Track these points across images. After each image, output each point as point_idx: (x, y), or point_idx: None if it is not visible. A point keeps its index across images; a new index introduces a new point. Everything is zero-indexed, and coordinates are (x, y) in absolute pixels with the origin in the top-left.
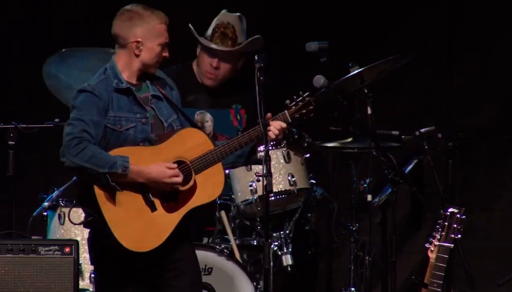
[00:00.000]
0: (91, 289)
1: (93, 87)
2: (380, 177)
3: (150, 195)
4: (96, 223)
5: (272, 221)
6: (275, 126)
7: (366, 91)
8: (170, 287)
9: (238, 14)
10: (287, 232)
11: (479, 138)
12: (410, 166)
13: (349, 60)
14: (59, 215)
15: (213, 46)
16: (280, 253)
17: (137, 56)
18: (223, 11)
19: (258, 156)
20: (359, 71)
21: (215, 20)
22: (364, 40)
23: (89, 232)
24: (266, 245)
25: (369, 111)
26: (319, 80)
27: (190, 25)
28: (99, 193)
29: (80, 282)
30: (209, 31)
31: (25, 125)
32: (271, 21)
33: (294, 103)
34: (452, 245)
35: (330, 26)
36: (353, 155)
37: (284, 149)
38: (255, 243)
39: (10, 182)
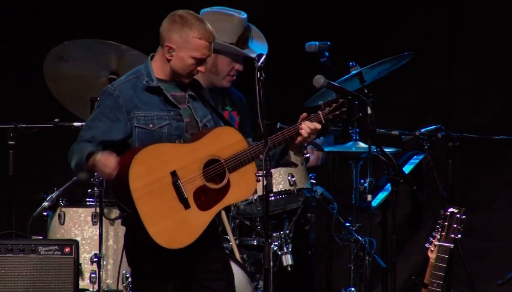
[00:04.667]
0: (91, 289)
1: (116, 87)
2: (380, 177)
3: (184, 192)
4: (130, 220)
5: (272, 221)
6: (309, 126)
7: (366, 91)
8: (206, 288)
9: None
10: (287, 232)
11: (479, 138)
12: (410, 166)
13: (349, 60)
14: (59, 215)
15: (252, 55)
16: (280, 253)
17: (168, 60)
18: (244, 15)
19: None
20: (359, 71)
21: (234, 26)
22: (364, 40)
23: (125, 232)
24: (266, 245)
25: (369, 111)
26: (319, 80)
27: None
28: (134, 188)
29: (80, 282)
30: (233, 38)
31: (25, 125)
32: (272, 21)
33: (327, 104)
34: (452, 245)
35: (330, 26)
36: (353, 155)
37: None
38: (255, 243)
39: (10, 182)
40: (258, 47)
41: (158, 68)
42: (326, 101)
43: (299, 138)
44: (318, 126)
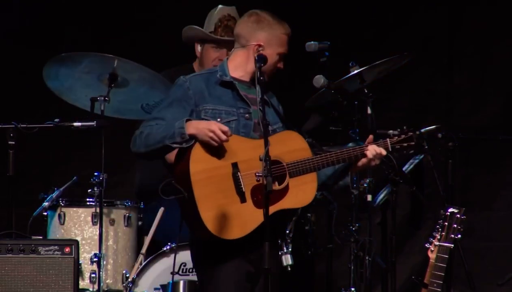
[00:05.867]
0: (91, 289)
1: (187, 79)
2: (380, 177)
3: (243, 186)
4: (185, 203)
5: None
6: (375, 149)
7: (366, 91)
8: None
9: (233, 7)
10: (287, 232)
11: (479, 138)
12: (410, 166)
13: (349, 60)
14: (59, 215)
15: (224, 38)
16: (280, 253)
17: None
18: (220, 6)
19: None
20: (359, 71)
21: (213, 15)
22: (364, 40)
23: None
24: (266, 245)
25: (369, 111)
26: (319, 80)
27: (192, 26)
28: (194, 171)
29: (80, 282)
30: (210, 27)
31: (25, 125)
32: None
33: (397, 134)
34: (452, 245)
35: (330, 26)
36: None
37: None
38: None
39: (10, 182)
40: None
41: (235, 67)
42: (396, 131)
43: (363, 160)
44: (384, 152)
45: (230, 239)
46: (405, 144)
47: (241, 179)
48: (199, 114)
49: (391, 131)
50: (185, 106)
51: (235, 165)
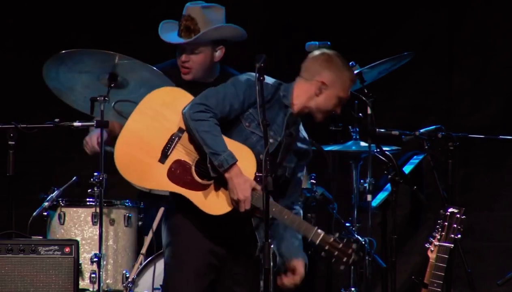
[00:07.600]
0: (91, 289)
1: (256, 83)
2: (380, 177)
3: (171, 150)
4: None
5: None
6: (294, 275)
7: (366, 91)
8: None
9: (202, 5)
10: None
11: (479, 138)
12: (410, 166)
13: (350, 60)
14: (59, 215)
15: (172, 41)
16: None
17: (316, 95)
18: (187, 4)
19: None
20: (359, 71)
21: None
22: (364, 40)
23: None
24: (266, 245)
25: (369, 111)
26: None
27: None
28: (145, 101)
29: (80, 282)
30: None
31: (25, 125)
32: (272, 21)
33: (336, 240)
34: (452, 245)
35: (330, 26)
36: (353, 155)
37: None
38: None
39: (10, 182)
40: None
41: (295, 96)
42: (341, 238)
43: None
44: (298, 279)
45: (126, 178)
46: (336, 253)
47: (175, 144)
48: (239, 113)
49: (337, 234)
50: (249, 94)
51: (181, 130)
